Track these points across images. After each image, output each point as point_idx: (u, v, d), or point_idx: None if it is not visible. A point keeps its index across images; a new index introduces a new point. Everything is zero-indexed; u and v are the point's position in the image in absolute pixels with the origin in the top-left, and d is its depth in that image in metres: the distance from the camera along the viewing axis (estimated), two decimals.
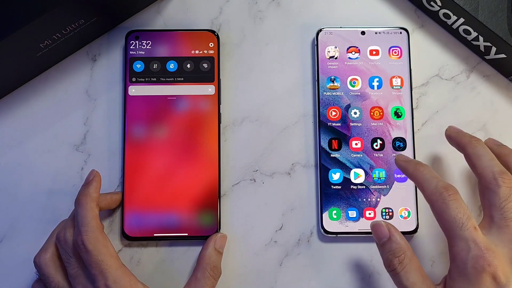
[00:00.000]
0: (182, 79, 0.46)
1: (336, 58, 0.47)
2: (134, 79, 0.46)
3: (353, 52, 0.47)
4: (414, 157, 0.45)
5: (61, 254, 0.40)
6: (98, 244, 0.38)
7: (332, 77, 0.47)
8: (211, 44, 0.47)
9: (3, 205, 0.45)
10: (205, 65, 0.47)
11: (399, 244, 0.37)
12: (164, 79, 0.46)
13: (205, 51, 0.47)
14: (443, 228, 0.37)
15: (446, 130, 0.43)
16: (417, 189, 0.45)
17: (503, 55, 0.46)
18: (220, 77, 0.47)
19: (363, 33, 0.47)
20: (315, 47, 0.47)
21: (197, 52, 0.47)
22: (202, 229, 0.44)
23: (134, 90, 0.46)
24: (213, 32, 0.47)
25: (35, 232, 0.45)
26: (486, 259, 0.34)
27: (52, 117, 0.47)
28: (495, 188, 0.37)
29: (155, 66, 0.46)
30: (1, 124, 0.47)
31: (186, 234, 0.44)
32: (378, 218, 0.44)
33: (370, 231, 0.44)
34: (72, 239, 0.39)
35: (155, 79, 0.46)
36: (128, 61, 0.46)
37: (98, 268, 0.38)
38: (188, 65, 0.46)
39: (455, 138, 0.42)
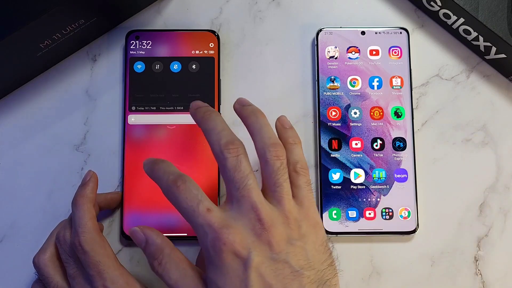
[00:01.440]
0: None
1: (336, 58, 0.47)
2: (134, 79, 0.46)
3: (353, 52, 0.47)
4: (414, 157, 0.45)
5: (60, 254, 0.40)
6: (95, 245, 0.38)
7: (332, 77, 0.47)
8: (211, 44, 0.47)
9: (3, 205, 0.45)
10: (205, 65, 0.47)
11: (155, 245, 0.35)
12: (164, 109, 0.46)
13: (205, 51, 0.47)
14: (187, 221, 0.35)
15: (190, 107, 0.38)
16: (417, 189, 0.45)
17: (503, 55, 0.46)
18: (220, 77, 0.47)
19: (363, 33, 0.47)
20: (315, 47, 0.47)
21: (197, 52, 0.47)
22: None
23: (135, 90, 0.46)
24: (213, 32, 0.47)
25: (35, 232, 0.45)
26: (221, 238, 0.33)
27: (52, 117, 0.47)
28: (223, 161, 0.35)
29: (157, 67, 0.46)
30: (1, 124, 0.47)
31: (186, 234, 0.44)
32: (378, 218, 0.44)
33: (371, 231, 0.44)
34: (70, 240, 0.39)
35: (155, 79, 0.46)
36: (128, 61, 0.46)
37: (95, 269, 0.38)
38: (194, 66, 0.46)
39: (194, 115, 0.38)
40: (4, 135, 0.47)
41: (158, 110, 0.45)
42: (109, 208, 0.44)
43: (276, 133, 0.38)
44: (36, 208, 0.45)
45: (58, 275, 0.40)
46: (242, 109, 0.38)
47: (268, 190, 0.36)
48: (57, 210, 0.45)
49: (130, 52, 0.46)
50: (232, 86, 0.48)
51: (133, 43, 0.47)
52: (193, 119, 0.38)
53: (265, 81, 0.48)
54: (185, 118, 0.45)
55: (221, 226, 0.33)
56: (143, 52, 0.47)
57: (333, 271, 0.35)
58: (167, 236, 0.43)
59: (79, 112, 0.47)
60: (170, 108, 0.45)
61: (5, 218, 0.45)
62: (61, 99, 0.47)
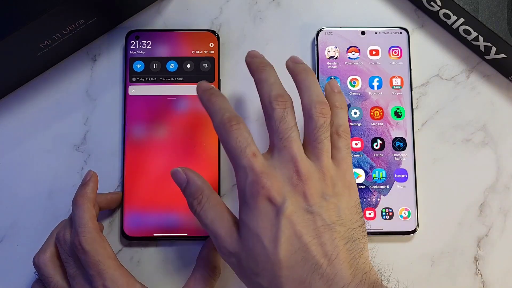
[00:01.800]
0: (182, 79, 0.46)
1: (336, 58, 0.47)
2: (134, 79, 0.46)
3: (353, 52, 0.47)
4: (414, 158, 0.45)
5: (60, 254, 0.40)
6: (95, 244, 0.38)
7: (332, 77, 0.47)
8: (211, 44, 0.47)
9: (3, 205, 0.45)
10: (205, 65, 0.47)
11: (196, 185, 0.36)
12: (164, 79, 0.46)
13: (205, 51, 0.47)
14: (230, 160, 0.36)
15: (246, 56, 0.41)
16: (417, 189, 0.45)
17: (503, 55, 0.46)
18: (220, 77, 0.47)
19: (363, 33, 0.47)
20: (315, 47, 0.47)
21: (197, 52, 0.47)
22: (202, 229, 0.44)
23: (134, 90, 0.46)
24: (213, 32, 0.47)
25: (35, 232, 0.45)
26: (260, 182, 0.34)
27: (52, 117, 0.47)
28: (270, 112, 0.37)
29: (155, 66, 0.46)
30: (1, 124, 0.47)
31: (186, 234, 0.44)
32: (378, 218, 0.44)
33: (371, 231, 0.44)
34: (70, 240, 0.39)
35: (155, 79, 0.46)
36: (128, 61, 0.46)
37: (95, 269, 0.38)
38: (188, 65, 0.46)
39: (249, 64, 0.40)
40: (4, 135, 0.47)
41: (158, 81, 0.46)
42: (109, 208, 0.44)
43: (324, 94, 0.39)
44: (36, 208, 0.45)
45: (58, 275, 0.40)
46: (295, 66, 0.40)
47: (309, 145, 0.37)
48: (57, 210, 0.45)
49: (130, 52, 0.46)
50: (232, 86, 0.48)
51: (133, 43, 0.47)
52: (247, 67, 0.40)
53: None
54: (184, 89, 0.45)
55: (262, 171, 0.34)
56: (143, 52, 0.47)
57: (363, 232, 0.37)
58: (166, 236, 0.44)
59: (79, 112, 0.47)
60: (170, 79, 0.46)
61: (5, 218, 0.45)
62: (61, 99, 0.47)
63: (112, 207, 0.44)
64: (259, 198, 0.34)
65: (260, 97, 0.38)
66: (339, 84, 0.46)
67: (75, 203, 0.40)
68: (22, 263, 0.44)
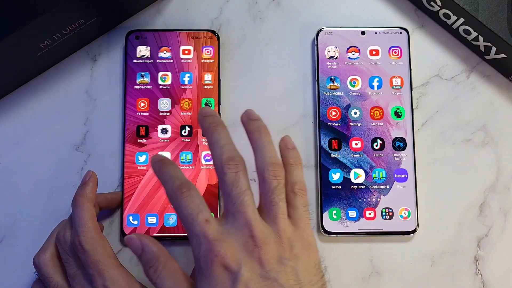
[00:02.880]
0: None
1: (336, 58, 0.47)
2: (134, 79, 0.46)
3: (353, 52, 0.47)
4: (414, 157, 0.45)
5: (60, 254, 0.40)
6: (95, 244, 0.38)
7: (332, 77, 0.47)
8: (211, 45, 0.47)
9: (3, 205, 0.45)
10: (206, 65, 0.47)
11: (151, 253, 0.35)
12: (165, 79, 0.46)
13: (206, 52, 0.47)
14: (184, 228, 0.35)
15: (198, 114, 0.38)
16: (417, 189, 0.45)
17: (503, 55, 0.46)
18: (220, 77, 0.47)
19: (363, 33, 0.47)
20: (315, 47, 0.47)
21: (197, 52, 0.47)
22: None
23: (135, 90, 0.46)
24: (213, 32, 0.47)
25: (35, 232, 0.45)
26: (214, 250, 0.33)
27: (52, 117, 0.47)
28: (222, 176, 0.35)
29: (158, 65, 0.46)
30: (1, 124, 0.47)
31: (186, 234, 0.44)
32: (378, 218, 0.44)
33: (371, 231, 0.44)
34: (70, 240, 0.39)
35: (155, 79, 0.46)
36: (128, 61, 0.46)
37: (95, 269, 0.38)
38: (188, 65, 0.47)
39: (200, 123, 0.38)
40: (4, 135, 0.47)
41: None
42: (109, 208, 0.44)
43: (277, 153, 0.38)
44: (36, 208, 0.45)
45: (58, 275, 0.40)
46: (248, 123, 0.39)
47: (264, 208, 0.36)
48: (57, 210, 0.45)
49: (130, 53, 0.46)
50: (232, 86, 0.48)
51: (133, 43, 0.47)
52: (200, 125, 0.38)
53: (265, 81, 0.48)
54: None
55: (215, 239, 0.33)
56: (143, 53, 0.47)
57: None
58: (166, 236, 0.44)
59: (79, 112, 0.47)
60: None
61: (5, 218, 0.45)
62: (61, 99, 0.47)
63: (112, 207, 0.44)
64: (214, 266, 0.33)
65: (212, 159, 0.36)
66: (339, 84, 0.46)
67: (74, 203, 0.40)
68: (22, 263, 0.44)
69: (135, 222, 0.44)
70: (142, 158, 0.45)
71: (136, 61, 0.46)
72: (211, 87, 0.46)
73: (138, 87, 0.46)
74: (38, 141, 0.46)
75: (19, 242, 0.45)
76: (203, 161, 0.45)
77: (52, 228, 0.42)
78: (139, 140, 0.45)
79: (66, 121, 0.47)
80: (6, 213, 0.45)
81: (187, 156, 0.45)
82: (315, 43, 0.47)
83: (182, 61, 0.47)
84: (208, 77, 0.46)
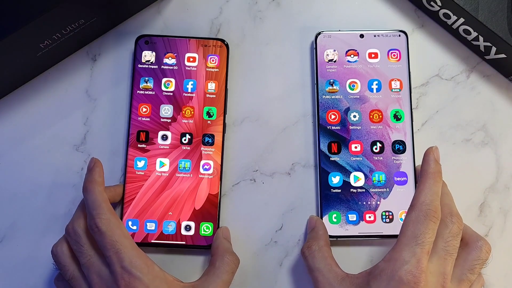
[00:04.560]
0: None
1: (335, 61, 0.47)
2: (138, 84, 0.46)
3: (352, 55, 0.47)
4: (414, 158, 0.45)
5: (71, 245, 0.39)
6: (111, 225, 0.38)
7: (331, 80, 0.46)
8: (219, 54, 0.46)
9: (3, 205, 0.45)
10: (212, 72, 0.46)
11: (316, 234, 0.42)
12: (168, 86, 0.46)
13: (213, 60, 0.46)
14: (402, 232, 0.38)
15: (429, 150, 0.41)
16: None
17: (503, 55, 0.46)
18: (228, 87, 0.47)
19: (362, 36, 0.47)
20: (314, 50, 0.47)
21: (205, 60, 0.46)
22: (199, 238, 0.44)
23: (138, 95, 0.46)
24: (222, 41, 0.47)
25: (35, 232, 0.45)
26: (417, 279, 0.35)
27: (52, 117, 0.47)
28: (448, 223, 0.39)
29: (162, 71, 0.46)
30: (1, 124, 0.47)
31: (184, 243, 0.44)
32: (378, 221, 0.44)
33: (371, 234, 0.44)
34: (84, 227, 0.39)
35: (159, 85, 0.46)
36: (136, 66, 0.46)
37: (113, 249, 0.37)
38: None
39: (427, 161, 0.41)
40: (4, 135, 0.47)
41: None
42: (113, 201, 0.44)
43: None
44: (36, 208, 0.45)
45: (74, 265, 0.39)
46: (435, 162, 0.41)
47: (457, 267, 0.39)
48: (57, 210, 0.45)
49: (139, 57, 0.46)
50: (232, 86, 0.47)
51: (142, 47, 0.46)
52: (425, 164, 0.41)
53: (265, 81, 0.48)
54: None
55: (424, 271, 0.36)
56: (151, 58, 0.46)
57: None
58: (165, 244, 0.43)
59: (79, 112, 0.47)
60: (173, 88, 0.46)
61: (5, 218, 0.45)
62: (61, 99, 0.47)
63: (116, 200, 0.44)
64: None
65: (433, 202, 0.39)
66: (338, 87, 0.46)
67: (85, 188, 0.40)
68: (22, 263, 0.44)
69: (134, 227, 0.44)
70: (140, 164, 0.45)
71: (141, 65, 0.46)
72: (214, 96, 0.46)
73: (141, 92, 0.46)
74: (38, 141, 0.46)
75: (19, 242, 0.45)
76: (201, 170, 0.45)
77: (52, 228, 0.42)
78: (139, 145, 0.45)
79: (66, 121, 0.47)
80: (6, 213, 0.45)
81: (186, 164, 0.45)
82: (314, 46, 0.47)
83: (187, 68, 0.46)
84: (211, 86, 0.46)
